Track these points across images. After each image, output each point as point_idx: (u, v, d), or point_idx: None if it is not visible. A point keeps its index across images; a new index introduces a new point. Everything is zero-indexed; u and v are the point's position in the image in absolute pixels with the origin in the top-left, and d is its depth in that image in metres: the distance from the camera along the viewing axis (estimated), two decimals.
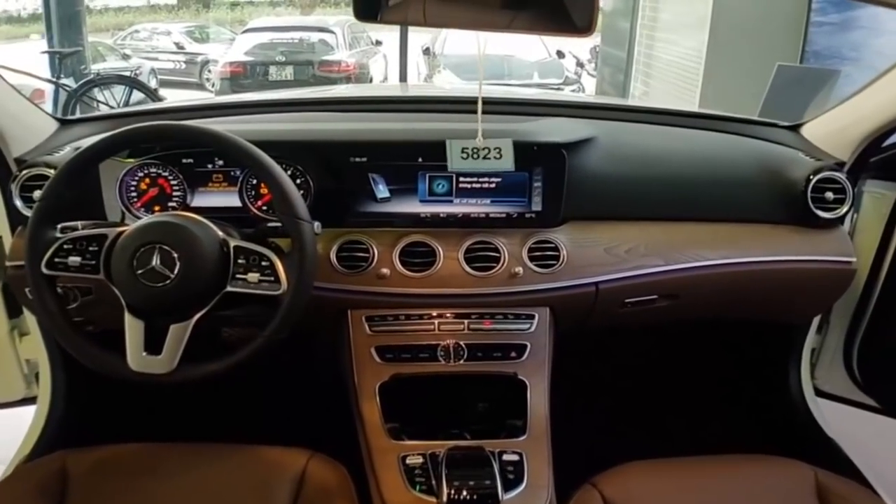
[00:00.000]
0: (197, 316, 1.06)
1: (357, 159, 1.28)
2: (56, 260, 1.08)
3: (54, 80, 5.82)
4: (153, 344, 1.07)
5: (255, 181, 1.31)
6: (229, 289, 1.06)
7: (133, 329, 1.07)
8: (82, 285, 1.27)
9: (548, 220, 1.33)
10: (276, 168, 1.08)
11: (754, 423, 1.80)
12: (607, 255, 1.34)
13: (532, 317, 1.30)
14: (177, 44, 11.09)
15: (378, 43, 9.87)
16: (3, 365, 1.57)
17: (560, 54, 8.25)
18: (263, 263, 1.06)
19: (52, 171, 1.27)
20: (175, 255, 1.04)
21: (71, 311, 1.27)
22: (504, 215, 1.32)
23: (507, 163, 1.21)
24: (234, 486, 1.15)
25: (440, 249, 1.27)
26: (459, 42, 7.74)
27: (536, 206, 1.32)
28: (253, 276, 1.06)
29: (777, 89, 2.75)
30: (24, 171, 1.29)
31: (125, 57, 9.75)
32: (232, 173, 1.31)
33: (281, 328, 1.06)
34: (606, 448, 1.39)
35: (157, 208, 1.33)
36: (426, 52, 8.41)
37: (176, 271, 1.04)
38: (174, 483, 1.16)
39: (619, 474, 1.23)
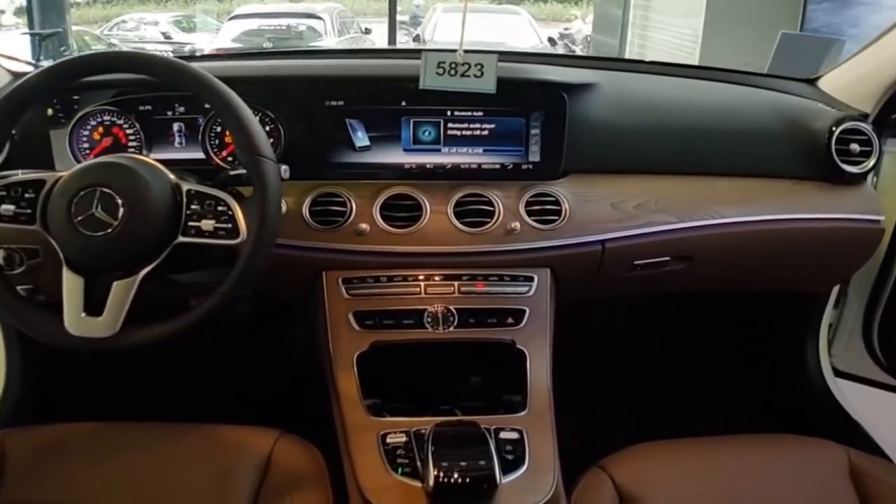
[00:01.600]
0: (144, 271, 0.91)
1: (332, 103, 1.12)
2: None
3: (33, 62, 5.57)
4: (95, 305, 0.91)
5: (219, 129, 1.14)
6: (181, 239, 0.91)
7: (71, 287, 0.91)
8: (27, 246, 1.11)
9: (547, 172, 1.17)
10: (236, 99, 0.91)
11: (769, 401, 1.65)
12: (614, 211, 1.18)
13: (531, 279, 1.14)
14: (164, 34, 10.82)
15: (367, 31, 9.65)
16: None
17: (552, 41, 8.10)
18: (220, 209, 0.91)
19: None
20: (119, 201, 0.89)
21: (14, 276, 1.11)
22: (498, 166, 1.17)
23: (489, 83, 1.04)
24: (191, 470, 0.99)
25: (426, 203, 1.11)
26: (449, 29, 7.60)
27: (534, 156, 1.17)
28: (207, 224, 0.90)
29: (781, 58, 2.61)
30: None
31: (111, 47, 9.49)
32: (195, 122, 1.15)
33: (239, 283, 0.90)
34: (612, 428, 1.24)
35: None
36: (416, 39, 8.26)
37: (119, 218, 0.88)
38: (124, 465, 1.01)
39: (630, 456, 1.08)
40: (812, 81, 1.46)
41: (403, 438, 0.95)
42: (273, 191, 0.90)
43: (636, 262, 1.22)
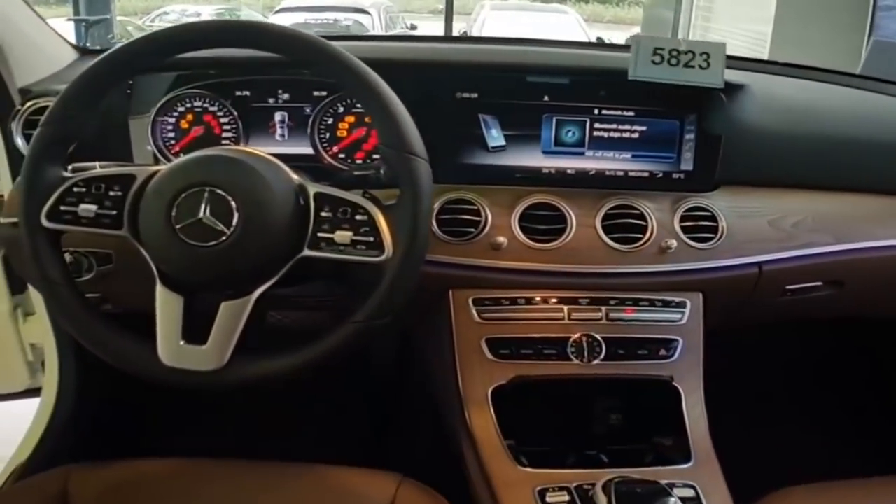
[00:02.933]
0: (260, 290, 0.73)
1: (465, 95, 0.95)
2: (62, 208, 0.75)
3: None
4: (196, 330, 0.74)
5: (330, 121, 0.97)
6: (307, 252, 0.73)
7: (167, 308, 0.74)
8: (99, 250, 0.94)
9: (699, 183, 1.00)
10: (384, 85, 0.74)
11: None
12: (772, 230, 1.02)
13: (683, 304, 0.97)
14: None
15: (413, 27, 9.41)
16: (4, 349, 1.24)
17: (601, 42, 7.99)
18: (358, 217, 0.73)
19: None
20: (233, 204, 0.71)
21: (82, 284, 0.94)
22: (647, 174, 0.99)
23: (716, 76, 0.88)
24: None
25: (572, 214, 0.94)
26: (497, 27, 7.45)
27: (686, 164, 1.00)
28: (343, 236, 0.72)
29: (872, 66, 2.43)
30: (30, 103, 0.96)
31: None
32: (301, 111, 0.98)
33: (383, 310, 0.73)
34: (753, 468, 1.07)
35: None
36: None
37: (234, 225, 0.71)
38: None
39: (785, 500, 0.91)
40: None
41: (566, 497, 0.78)
42: (426, 197, 0.73)
43: (788, 287, 1.05)
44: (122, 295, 1.00)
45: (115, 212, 0.75)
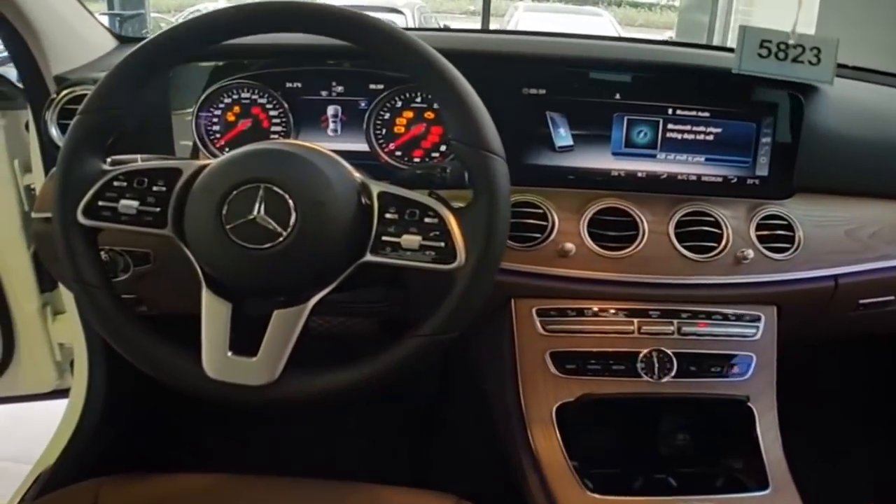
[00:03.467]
0: (316, 298, 0.66)
1: (532, 91, 0.88)
2: (101, 204, 0.68)
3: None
4: (244, 341, 0.67)
5: (387, 116, 0.90)
6: (369, 258, 0.66)
7: (214, 316, 0.67)
8: (137, 249, 0.87)
9: (775, 190, 0.93)
10: (461, 77, 0.67)
11: None
12: (849, 240, 0.95)
13: (757, 318, 0.90)
14: None
15: (446, 29, 9.31)
16: (32, 349, 1.18)
17: None
18: (427, 220, 0.65)
19: None
20: (290, 202, 0.64)
21: (117, 284, 0.87)
22: (720, 179, 0.92)
23: (826, 72, 0.81)
24: None
25: (644, 220, 0.87)
26: (531, 28, 7.38)
27: (762, 169, 0.93)
28: (410, 240, 0.65)
29: None
30: (66, 91, 0.89)
31: None
32: (356, 105, 0.91)
33: (452, 324, 0.66)
34: (831, 495, 1.00)
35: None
36: None
37: (291, 226, 0.64)
38: None
39: None
40: None
41: None
42: (504, 199, 0.66)
43: (861, 301, 0.98)
44: (159, 297, 0.93)
45: (158, 209, 0.68)
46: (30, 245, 1.15)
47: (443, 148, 0.90)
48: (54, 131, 0.91)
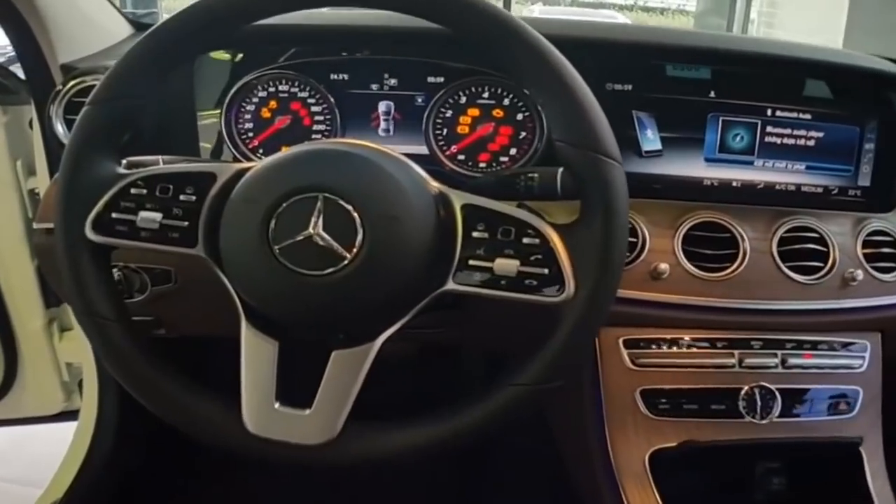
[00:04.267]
0: (386, 334, 0.54)
1: (617, 86, 0.75)
2: (115, 216, 0.55)
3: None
4: (295, 388, 0.55)
5: (449, 114, 0.77)
6: (452, 286, 0.53)
7: (257, 357, 0.54)
8: (156, 266, 0.74)
9: (877, 202, 0.81)
10: (570, 67, 0.54)
11: None
12: None
13: (863, 348, 0.78)
14: None
15: None
16: (37, 369, 1.05)
17: None
18: (527, 241, 0.52)
19: None
20: (356, 217, 0.51)
21: (132, 305, 0.74)
22: (821, 189, 0.80)
23: None
24: None
25: (745, 237, 0.75)
26: None
27: (864, 179, 0.81)
28: (506, 265, 0.52)
29: None
30: (74, 81, 0.76)
31: None
32: (412, 101, 0.78)
33: (559, 369, 0.53)
34: None
35: (284, 149, 0.79)
36: None
37: (358, 246, 0.51)
38: None
39: None
40: None
41: None
42: (623, 215, 0.53)
43: None
44: (181, 319, 0.80)
45: (186, 223, 0.55)
46: (34, 256, 1.01)
47: (513, 151, 0.77)
48: (60, 128, 0.77)
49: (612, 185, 0.53)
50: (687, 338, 0.74)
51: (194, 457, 1.12)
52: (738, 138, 0.78)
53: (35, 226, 0.76)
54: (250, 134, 0.79)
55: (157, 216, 0.54)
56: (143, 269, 0.75)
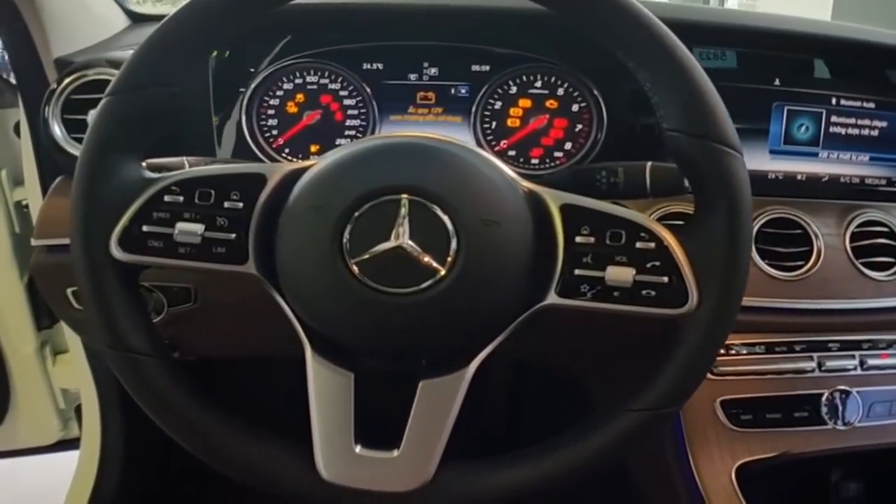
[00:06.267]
0: (480, 358, 0.44)
1: None
2: (146, 229, 0.44)
3: None
4: (376, 426, 0.45)
5: (498, 106, 0.67)
6: (555, 300, 0.43)
7: (330, 392, 0.44)
8: (174, 284, 0.62)
9: None
10: (684, 48, 0.45)
11: None
12: None
13: None
14: None
15: None
16: (31, 397, 0.92)
17: None
18: (640, 246, 0.43)
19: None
20: (447, 223, 0.41)
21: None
22: (884, 182, 0.73)
23: None
24: None
25: (819, 233, 0.67)
26: None
27: None
28: (620, 274, 0.43)
29: None
30: (73, 77, 0.63)
31: None
32: (454, 91, 0.68)
33: (685, 389, 0.45)
34: None
35: (314, 148, 0.68)
36: None
37: (452, 257, 0.41)
38: None
39: None
40: None
41: None
42: (748, 214, 0.44)
43: None
44: (198, 341, 0.69)
45: (232, 235, 0.44)
46: (23, 275, 0.88)
47: (567, 146, 0.68)
48: (57, 130, 0.65)
49: (736, 179, 0.44)
50: (764, 342, 0.66)
51: (206, 482, 0.99)
52: (803, 129, 0.70)
53: (34, 242, 0.63)
54: (274, 131, 0.68)
55: (199, 228, 0.44)
56: (158, 287, 0.63)
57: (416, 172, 0.42)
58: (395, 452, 0.44)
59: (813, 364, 0.66)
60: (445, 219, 0.41)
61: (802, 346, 0.66)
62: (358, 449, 0.44)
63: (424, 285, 0.41)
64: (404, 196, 0.41)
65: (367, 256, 0.41)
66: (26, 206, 0.85)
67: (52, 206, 0.65)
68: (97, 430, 0.87)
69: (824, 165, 0.71)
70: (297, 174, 0.45)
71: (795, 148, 0.70)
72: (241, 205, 0.44)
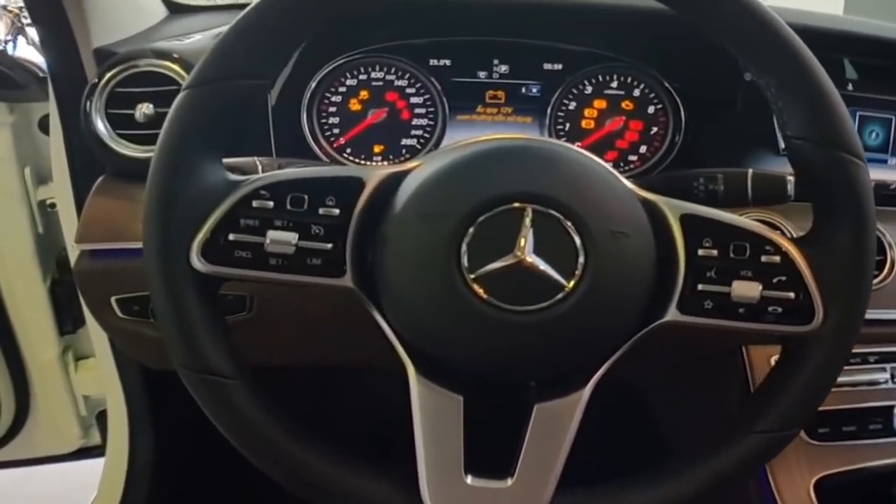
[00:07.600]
0: (597, 377, 0.40)
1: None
2: (233, 237, 0.38)
3: None
4: (487, 453, 0.40)
5: (572, 106, 0.63)
6: (676, 317, 0.40)
7: (437, 417, 0.40)
8: (230, 293, 0.57)
9: None
10: (808, 52, 0.41)
11: None
12: None
13: None
14: None
15: None
16: (52, 404, 0.86)
17: None
18: (766, 259, 0.40)
19: (170, 66, 0.56)
20: (575, 235, 0.37)
21: None
22: None
23: None
24: None
25: (893, 243, 0.64)
26: None
27: None
28: (746, 289, 0.39)
29: None
30: (118, 69, 0.57)
31: None
32: (525, 90, 0.63)
33: (809, 409, 0.42)
34: None
35: (378, 149, 0.63)
36: None
37: (580, 270, 0.37)
38: None
39: None
40: None
41: None
42: (873, 224, 0.41)
43: None
44: (248, 350, 0.63)
45: (329, 245, 0.39)
46: (46, 278, 0.81)
47: (642, 149, 0.64)
48: (101, 125, 0.58)
49: (863, 189, 0.41)
50: None
51: (236, 489, 0.94)
52: (874, 135, 0.67)
53: (78, 246, 0.57)
54: (336, 130, 0.63)
55: (293, 237, 0.38)
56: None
57: (540, 179, 0.38)
58: (510, 481, 0.39)
59: (886, 375, 0.63)
60: (572, 230, 0.37)
61: (876, 357, 0.64)
62: (469, 480, 0.39)
63: (550, 302, 0.37)
64: (528, 205, 0.37)
65: (487, 271, 0.36)
66: (51, 206, 0.78)
67: (96, 208, 0.59)
68: (125, 438, 0.81)
69: (893, 173, 0.68)
70: (397, 178, 0.40)
71: (866, 154, 0.67)
72: (337, 211, 0.39)
